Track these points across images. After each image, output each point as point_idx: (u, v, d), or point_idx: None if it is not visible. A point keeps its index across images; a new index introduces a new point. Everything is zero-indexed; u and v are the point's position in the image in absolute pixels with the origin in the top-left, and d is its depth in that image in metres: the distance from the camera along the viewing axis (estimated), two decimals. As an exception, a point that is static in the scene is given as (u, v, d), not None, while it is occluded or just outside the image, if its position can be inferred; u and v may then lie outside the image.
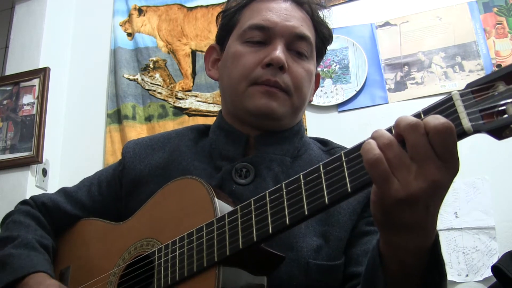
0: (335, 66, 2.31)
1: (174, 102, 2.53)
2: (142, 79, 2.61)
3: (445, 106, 0.59)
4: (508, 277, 1.32)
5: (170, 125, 2.46)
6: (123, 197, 1.05)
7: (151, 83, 2.60)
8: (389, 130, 0.61)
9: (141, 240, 0.92)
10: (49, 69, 2.55)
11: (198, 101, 2.50)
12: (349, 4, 2.39)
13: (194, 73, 2.57)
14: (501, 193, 1.88)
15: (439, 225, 1.87)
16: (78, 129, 2.62)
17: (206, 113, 2.46)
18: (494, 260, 1.70)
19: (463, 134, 0.57)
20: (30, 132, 2.44)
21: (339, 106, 2.24)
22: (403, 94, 2.15)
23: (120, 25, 2.75)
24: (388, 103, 2.17)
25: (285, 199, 0.71)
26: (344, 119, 2.22)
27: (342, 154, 0.66)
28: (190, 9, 2.67)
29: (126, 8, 2.78)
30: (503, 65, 2.06)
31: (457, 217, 1.90)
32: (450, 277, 1.82)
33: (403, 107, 2.12)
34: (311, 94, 1.07)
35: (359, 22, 2.35)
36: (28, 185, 2.32)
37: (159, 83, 2.59)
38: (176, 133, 1.10)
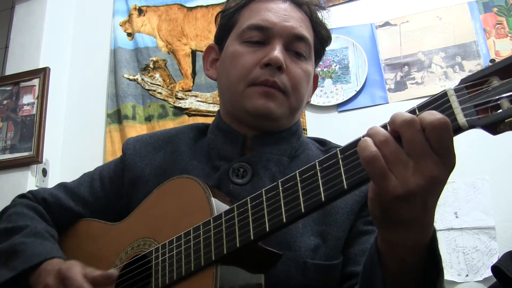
0: (335, 66, 2.31)
1: (174, 102, 2.53)
2: (142, 79, 2.61)
3: (439, 102, 0.59)
4: (508, 277, 1.32)
5: (170, 125, 2.46)
6: (124, 195, 1.05)
7: (151, 83, 2.60)
8: (384, 126, 0.61)
9: (138, 240, 0.92)
10: (49, 69, 2.55)
11: (198, 101, 2.50)
12: (349, 4, 2.39)
13: (194, 73, 2.57)
14: (501, 193, 1.87)
15: (439, 225, 1.87)
16: (78, 129, 2.62)
17: (206, 113, 2.46)
18: (494, 260, 1.70)
19: (458, 129, 0.57)
20: (30, 132, 2.45)
21: (339, 106, 2.24)
22: (403, 94, 2.15)
23: (120, 25, 2.75)
24: (388, 103, 2.17)
25: (281, 197, 0.71)
26: (344, 119, 2.22)
27: (338, 151, 0.66)
28: (190, 9, 2.68)
29: (126, 8, 2.78)
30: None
31: (457, 217, 1.89)
32: (450, 277, 1.82)
33: (403, 107, 2.08)
34: (309, 95, 1.07)
35: (359, 22, 2.34)
36: (28, 185, 2.32)
37: (159, 83, 2.59)
38: (176, 131, 1.10)
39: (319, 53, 1.08)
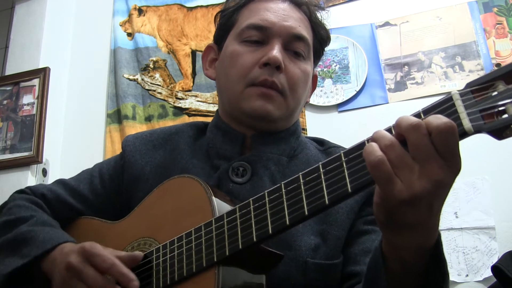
0: (335, 66, 2.31)
1: (174, 102, 2.53)
2: (142, 79, 2.61)
3: (445, 106, 0.59)
4: (508, 277, 1.32)
5: (170, 125, 2.46)
6: (123, 192, 1.05)
7: (151, 83, 2.60)
8: (389, 130, 0.61)
9: (138, 239, 0.92)
10: (49, 69, 2.55)
11: (198, 101, 2.50)
12: (349, 4, 2.39)
13: (194, 73, 2.57)
14: (501, 193, 1.88)
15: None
16: (78, 129, 2.62)
17: (206, 113, 2.46)
18: (494, 260, 1.70)
19: (464, 134, 0.57)
20: (30, 132, 2.44)
21: (339, 106, 2.24)
22: (403, 94, 2.15)
23: (120, 25, 2.75)
24: (388, 103, 2.17)
25: (284, 199, 0.71)
26: (344, 119, 2.22)
27: (342, 154, 0.66)
28: (190, 9, 2.68)
29: (126, 8, 2.78)
30: (503, 65, 2.05)
31: (457, 217, 1.90)
32: (450, 277, 1.82)
33: (403, 107, 2.11)
34: (308, 95, 1.07)
35: (359, 22, 2.34)
36: (28, 185, 2.31)
37: (159, 83, 2.59)
38: (176, 129, 1.10)
39: (318, 53, 1.09)
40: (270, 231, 0.72)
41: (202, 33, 2.61)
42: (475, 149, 1.87)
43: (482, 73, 2.06)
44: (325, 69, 2.31)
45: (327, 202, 0.66)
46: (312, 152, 1.03)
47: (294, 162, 1.00)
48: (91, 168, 1.12)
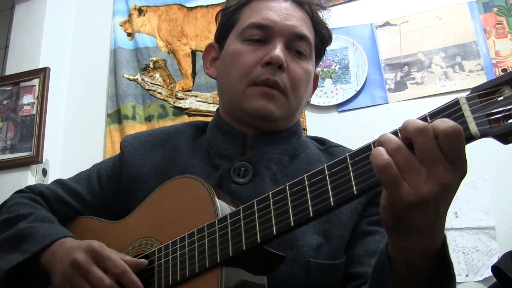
0: (335, 66, 2.31)
1: (174, 102, 2.53)
2: (142, 79, 2.61)
3: (451, 110, 0.59)
4: (508, 277, 1.32)
5: (169, 125, 2.46)
6: (122, 192, 1.04)
7: (151, 83, 2.60)
8: (395, 133, 0.62)
9: (140, 239, 0.92)
10: (49, 69, 2.54)
11: (198, 101, 2.50)
12: (349, 4, 2.39)
13: (194, 73, 2.57)
14: (501, 193, 1.88)
15: (439, 225, 1.87)
16: (78, 129, 2.61)
17: (206, 113, 2.46)
18: (494, 260, 1.70)
19: (470, 138, 0.57)
20: (30, 132, 2.44)
21: (339, 106, 2.24)
22: (403, 94, 2.15)
23: (120, 25, 2.75)
24: (388, 103, 2.17)
25: (289, 201, 0.71)
26: (344, 119, 2.22)
27: (347, 156, 0.66)
28: (190, 9, 2.67)
29: (126, 8, 2.78)
30: (503, 65, 2.06)
31: (457, 217, 1.90)
32: (450, 277, 1.82)
33: (403, 107, 2.12)
34: (309, 94, 1.07)
35: (359, 22, 2.35)
36: (28, 185, 2.31)
37: (159, 83, 2.59)
38: (175, 129, 1.10)
39: (320, 53, 1.08)
40: (275, 232, 0.72)
41: (202, 33, 2.61)
42: (475, 149, 1.86)
43: (482, 73, 2.06)
44: (325, 69, 2.31)
45: (332, 204, 0.66)
46: (313, 152, 1.03)
47: (295, 161, 0.99)
48: (89, 168, 1.12)
